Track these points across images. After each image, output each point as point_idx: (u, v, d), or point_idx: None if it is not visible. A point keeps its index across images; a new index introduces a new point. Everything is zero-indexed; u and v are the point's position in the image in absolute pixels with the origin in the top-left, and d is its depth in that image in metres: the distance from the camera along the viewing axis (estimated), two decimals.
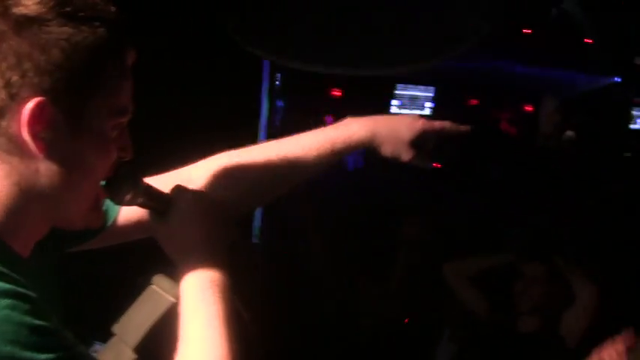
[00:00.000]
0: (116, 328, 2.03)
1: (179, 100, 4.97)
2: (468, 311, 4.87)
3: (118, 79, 1.49)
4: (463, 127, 2.12)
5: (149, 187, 1.68)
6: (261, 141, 6.67)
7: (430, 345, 5.15)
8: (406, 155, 1.99)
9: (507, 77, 12.59)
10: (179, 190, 1.71)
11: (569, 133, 12.86)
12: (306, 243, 5.25)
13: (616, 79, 12.02)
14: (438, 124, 2.06)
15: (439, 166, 2.04)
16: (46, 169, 1.41)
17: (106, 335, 2.08)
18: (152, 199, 1.68)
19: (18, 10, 1.33)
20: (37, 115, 1.37)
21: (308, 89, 9.49)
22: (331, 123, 9.05)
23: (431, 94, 13.22)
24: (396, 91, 12.88)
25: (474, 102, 14.27)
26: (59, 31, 1.36)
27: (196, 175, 1.94)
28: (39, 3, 1.34)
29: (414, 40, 4.63)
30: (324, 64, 4.65)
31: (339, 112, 10.66)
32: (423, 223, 5.86)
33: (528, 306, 4.46)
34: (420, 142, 1.98)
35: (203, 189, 1.84)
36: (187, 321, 1.55)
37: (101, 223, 1.70)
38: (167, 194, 1.71)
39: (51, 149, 1.40)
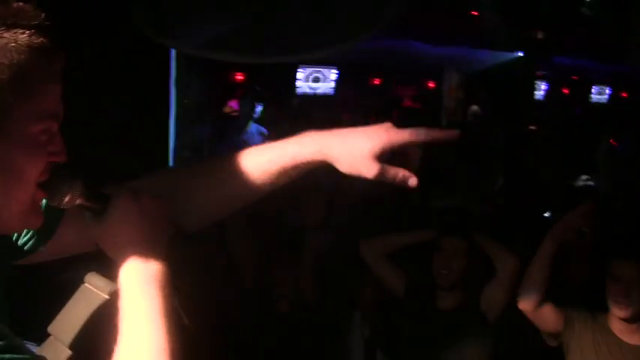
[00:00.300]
0: (51, 328, 2.02)
1: (94, 91, 4.89)
2: (380, 293, 4.88)
3: (44, 84, 1.47)
4: (446, 133, 1.80)
5: (87, 188, 1.63)
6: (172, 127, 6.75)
7: (343, 329, 5.14)
8: (368, 172, 1.70)
9: (409, 55, 12.73)
10: (117, 190, 1.65)
11: (474, 107, 13.10)
12: (221, 229, 5.16)
13: (519, 53, 12.30)
14: (408, 134, 1.73)
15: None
16: None
17: (42, 337, 2.06)
18: (90, 199, 1.63)
19: None
20: None
21: (212, 74, 9.43)
22: (235, 107, 8.97)
23: (334, 75, 13.31)
24: (299, 73, 12.93)
25: (377, 81, 14.43)
26: None
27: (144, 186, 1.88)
28: None
29: (326, 24, 4.58)
30: (234, 53, 4.57)
31: (242, 95, 10.61)
32: (329, 205, 5.79)
33: (448, 282, 4.46)
34: (386, 155, 1.72)
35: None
36: (127, 315, 1.52)
37: (40, 224, 1.64)
38: (105, 194, 1.65)
39: None
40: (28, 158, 1.45)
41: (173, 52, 5.75)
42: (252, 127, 9.10)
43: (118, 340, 1.51)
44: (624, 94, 16.34)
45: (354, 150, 1.70)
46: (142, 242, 1.60)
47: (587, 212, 3.99)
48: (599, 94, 16.40)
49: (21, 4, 1.42)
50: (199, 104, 7.84)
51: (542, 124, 10.65)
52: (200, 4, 4.52)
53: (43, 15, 1.43)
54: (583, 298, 4.28)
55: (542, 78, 14.08)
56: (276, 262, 4.87)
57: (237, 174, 1.81)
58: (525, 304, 4.05)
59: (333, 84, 13.40)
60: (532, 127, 9.95)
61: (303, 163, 1.76)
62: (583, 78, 15.62)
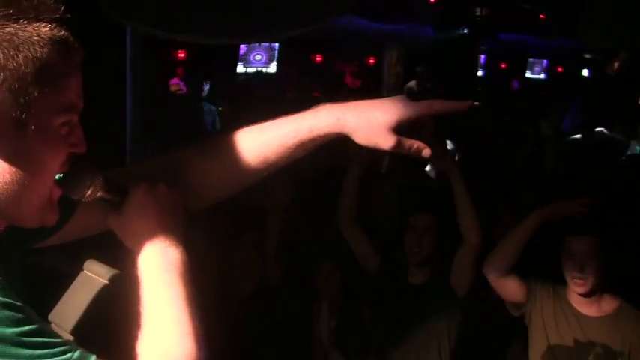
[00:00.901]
0: (52, 316, 2.02)
1: None
2: (346, 279, 4.94)
3: (66, 77, 1.48)
4: (461, 104, 1.76)
5: (107, 181, 1.65)
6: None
7: (309, 318, 5.18)
8: (385, 143, 1.71)
9: (350, 31, 12.73)
10: (135, 182, 1.68)
11: (411, 83, 13.22)
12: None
13: (464, 30, 12.43)
14: (422, 106, 1.73)
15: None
16: None
17: None
18: (110, 192, 1.65)
19: None
20: None
21: (155, 51, 9.33)
22: (177, 84, 8.88)
23: (275, 53, 13.27)
24: (241, 51, 12.85)
25: (319, 57, 14.45)
26: (2, 32, 1.35)
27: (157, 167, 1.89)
28: None
29: (290, 5, 4.59)
30: (200, 35, 4.55)
31: (185, 73, 10.51)
32: (287, 186, 5.81)
33: (419, 259, 4.54)
34: (402, 126, 1.75)
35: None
36: (149, 302, 1.56)
37: (56, 221, 1.65)
38: (123, 185, 1.68)
39: (1, 150, 1.40)
40: (50, 150, 1.46)
41: (129, 34, 5.70)
42: (204, 105, 9.05)
43: (141, 327, 1.54)
44: (559, 69, 16.68)
45: (372, 122, 1.72)
46: (160, 231, 1.64)
47: (584, 205, 4.07)
48: (536, 69, 16.70)
49: None
50: (146, 84, 7.77)
51: (485, 99, 10.80)
52: None
53: (62, 8, 1.44)
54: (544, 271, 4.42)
55: (480, 53, 14.27)
56: (239, 245, 4.88)
57: (253, 150, 1.82)
58: (491, 273, 4.17)
59: (275, 61, 13.36)
60: (476, 103, 10.06)
61: (320, 136, 1.78)
62: (520, 53, 15.86)
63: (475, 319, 4.68)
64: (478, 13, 11.30)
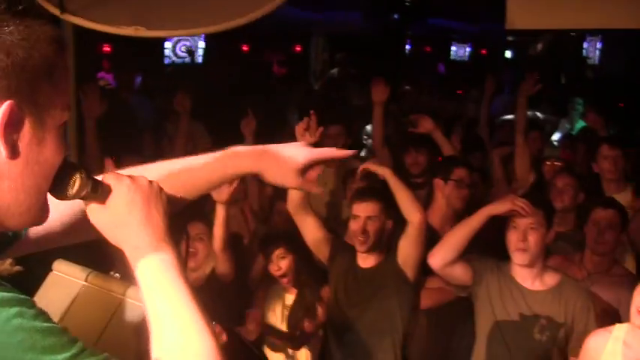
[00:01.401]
0: None
1: None
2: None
3: (64, 76, 1.48)
4: (346, 153, 2.20)
5: (90, 178, 1.62)
6: None
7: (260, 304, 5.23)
8: (292, 182, 2.06)
9: (277, 20, 12.71)
10: (116, 177, 1.67)
11: (333, 71, 13.29)
12: None
13: (394, 16, 12.53)
14: (323, 153, 2.11)
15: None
16: (9, 171, 1.39)
17: None
18: (94, 189, 1.62)
19: None
20: (8, 118, 1.33)
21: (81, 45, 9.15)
22: (104, 79, 8.73)
23: (202, 43, 13.15)
24: (166, 44, 12.69)
25: (246, 47, 14.37)
26: (17, 31, 1.33)
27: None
28: None
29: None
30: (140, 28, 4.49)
31: (111, 67, 10.31)
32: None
33: (367, 246, 4.59)
34: (307, 168, 2.05)
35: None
36: (157, 304, 1.56)
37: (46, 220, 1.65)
38: (106, 184, 1.65)
39: (16, 151, 1.38)
40: (57, 150, 1.46)
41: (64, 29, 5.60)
42: (135, 99, 8.93)
43: (153, 328, 1.55)
44: (484, 52, 16.95)
45: (282, 165, 2.03)
46: (149, 226, 1.64)
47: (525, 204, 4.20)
48: (460, 52, 16.93)
49: None
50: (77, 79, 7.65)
51: (414, 84, 10.93)
52: None
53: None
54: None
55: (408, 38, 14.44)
56: (188, 237, 4.86)
57: (181, 189, 1.98)
58: (437, 264, 4.29)
59: (201, 52, 13.26)
60: (407, 87, 10.21)
61: (239, 175, 2.17)
62: (445, 36, 16.06)
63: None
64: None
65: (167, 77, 11.89)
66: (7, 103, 1.32)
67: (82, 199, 1.63)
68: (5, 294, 1.28)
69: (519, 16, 7.20)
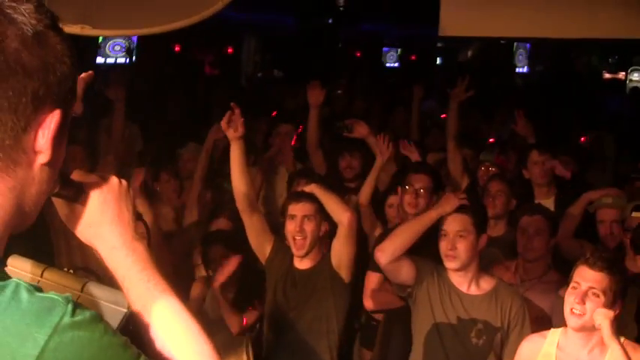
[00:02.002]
0: None
1: None
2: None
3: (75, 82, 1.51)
4: None
5: (63, 176, 1.63)
6: None
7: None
8: None
9: (209, 20, 12.63)
10: (87, 176, 1.70)
11: (276, 72, 13.29)
12: None
13: (328, 20, 12.56)
14: None
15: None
16: (40, 176, 1.41)
17: None
18: (64, 186, 1.65)
19: (36, 22, 1.33)
20: (58, 126, 1.38)
21: None
22: None
23: (133, 43, 13.01)
24: (101, 43, 12.52)
25: (177, 47, 14.27)
26: (62, 42, 1.37)
27: None
28: (43, 14, 1.34)
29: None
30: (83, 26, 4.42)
31: None
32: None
33: (304, 249, 4.61)
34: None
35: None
36: (147, 305, 1.62)
37: None
38: (77, 181, 1.68)
39: (54, 156, 1.41)
40: (64, 153, 1.48)
41: None
42: None
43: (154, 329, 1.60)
44: (413, 57, 17.14)
45: None
46: (121, 224, 1.67)
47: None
48: (390, 57, 17.10)
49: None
50: None
51: (346, 88, 10.99)
52: None
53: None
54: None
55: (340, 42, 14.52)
56: None
57: None
58: (385, 259, 4.32)
59: (132, 52, 13.12)
60: (339, 92, 10.25)
61: None
62: (376, 42, 16.19)
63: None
64: (342, 3, 11.48)
65: (100, 75, 11.73)
66: (58, 112, 1.36)
67: (53, 196, 1.64)
68: (89, 312, 1.29)
69: (452, 24, 7.34)
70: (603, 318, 3.41)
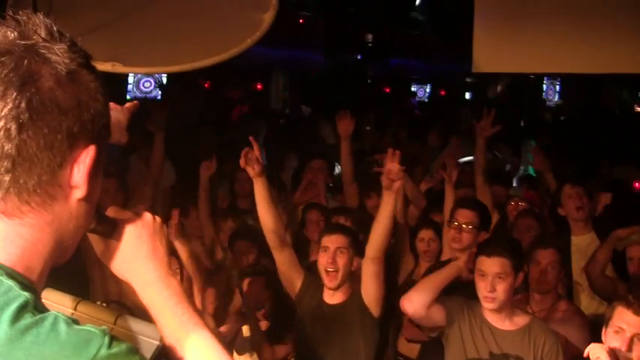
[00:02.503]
0: None
1: None
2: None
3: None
4: None
5: (99, 213, 1.67)
6: None
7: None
8: None
9: (240, 57, 12.69)
10: (122, 212, 1.75)
11: (305, 108, 13.33)
12: None
13: (356, 56, 12.63)
14: None
15: None
16: (77, 211, 1.45)
17: None
18: (100, 222, 1.68)
19: (70, 61, 1.38)
20: (93, 162, 1.42)
21: None
22: None
23: (164, 78, 13.13)
24: (129, 79, 12.64)
25: (207, 84, 14.37)
26: (95, 79, 1.42)
27: None
28: (76, 53, 1.39)
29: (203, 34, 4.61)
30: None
31: None
32: None
33: (336, 281, 4.60)
34: None
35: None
36: (178, 338, 1.65)
37: None
38: (112, 218, 1.72)
39: (90, 190, 1.45)
40: (100, 189, 1.52)
41: None
42: None
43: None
44: (442, 92, 17.15)
45: None
46: (155, 260, 1.70)
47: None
48: (420, 92, 17.12)
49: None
50: None
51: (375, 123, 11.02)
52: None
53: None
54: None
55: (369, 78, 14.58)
56: None
57: None
58: (413, 308, 4.30)
59: (163, 88, 13.24)
60: (367, 128, 10.31)
61: None
62: (405, 77, 16.23)
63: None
64: (369, 40, 11.55)
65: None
66: (92, 148, 1.40)
67: (89, 232, 1.66)
68: (125, 344, 1.32)
69: (485, 60, 7.36)
70: (600, 350, 3.40)
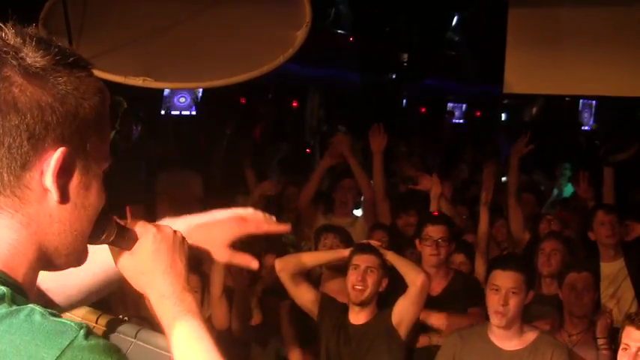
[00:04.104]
0: None
1: None
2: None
3: (107, 125, 1.51)
4: (281, 227, 2.22)
5: (119, 225, 1.68)
6: None
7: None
8: (220, 256, 2.07)
9: (277, 75, 12.76)
10: (142, 225, 1.75)
11: (341, 127, 13.33)
12: None
13: (391, 76, 12.63)
14: (256, 228, 2.11)
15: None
16: (59, 215, 1.43)
17: None
18: (121, 235, 1.70)
19: (32, 63, 1.36)
20: (62, 164, 1.38)
21: None
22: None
23: (199, 94, 13.20)
24: (165, 95, 12.71)
25: (243, 100, 14.45)
26: (69, 81, 1.39)
27: None
28: (46, 55, 1.38)
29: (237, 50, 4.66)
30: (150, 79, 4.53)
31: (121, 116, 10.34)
32: None
33: (363, 297, 4.61)
34: (237, 242, 2.05)
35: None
36: (185, 355, 1.66)
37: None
38: (132, 230, 1.73)
39: (67, 195, 1.43)
40: (100, 196, 1.51)
41: None
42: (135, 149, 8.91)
43: None
44: (478, 113, 17.06)
45: (211, 239, 2.04)
46: (173, 274, 1.71)
47: None
48: (456, 113, 17.03)
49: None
50: None
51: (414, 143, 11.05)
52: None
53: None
54: None
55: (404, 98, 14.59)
56: None
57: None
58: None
59: (198, 103, 13.30)
60: (403, 149, 10.31)
61: None
62: (440, 97, 16.18)
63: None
64: (405, 59, 11.57)
65: (164, 127, 11.93)
66: (60, 150, 1.37)
67: (109, 244, 1.68)
68: (104, 340, 1.31)
69: (516, 81, 7.36)
70: None
